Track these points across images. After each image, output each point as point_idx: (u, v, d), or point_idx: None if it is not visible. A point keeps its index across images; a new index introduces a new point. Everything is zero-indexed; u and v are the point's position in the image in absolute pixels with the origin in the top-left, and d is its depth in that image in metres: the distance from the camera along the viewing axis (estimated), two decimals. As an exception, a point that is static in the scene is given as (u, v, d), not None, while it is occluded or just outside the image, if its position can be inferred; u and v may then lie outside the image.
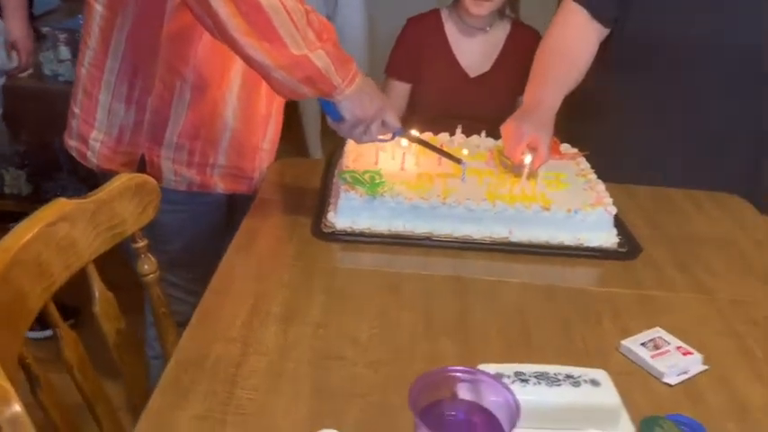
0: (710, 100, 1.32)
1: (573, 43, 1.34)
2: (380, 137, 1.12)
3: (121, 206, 0.96)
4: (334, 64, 1.01)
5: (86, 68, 1.18)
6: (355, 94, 1.05)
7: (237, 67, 1.16)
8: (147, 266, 1.04)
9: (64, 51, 2.37)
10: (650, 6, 1.29)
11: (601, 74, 1.36)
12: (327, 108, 1.08)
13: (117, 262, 1.10)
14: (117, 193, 0.96)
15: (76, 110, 1.22)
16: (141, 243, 1.03)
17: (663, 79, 1.33)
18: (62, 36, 2.36)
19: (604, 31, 1.34)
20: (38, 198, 2.51)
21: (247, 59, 0.99)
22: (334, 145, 1.33)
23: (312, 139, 3.02)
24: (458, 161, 1.18)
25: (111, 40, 1.13)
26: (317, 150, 3.04)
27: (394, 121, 1.12)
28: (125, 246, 1.03)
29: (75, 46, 2.43)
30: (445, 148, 1.21)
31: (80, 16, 2.40)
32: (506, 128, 1.21)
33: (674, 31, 1.28)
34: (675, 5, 1.27)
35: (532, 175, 1.17)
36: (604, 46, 1.36)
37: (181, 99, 1.15)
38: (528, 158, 1.16)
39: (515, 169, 1.19)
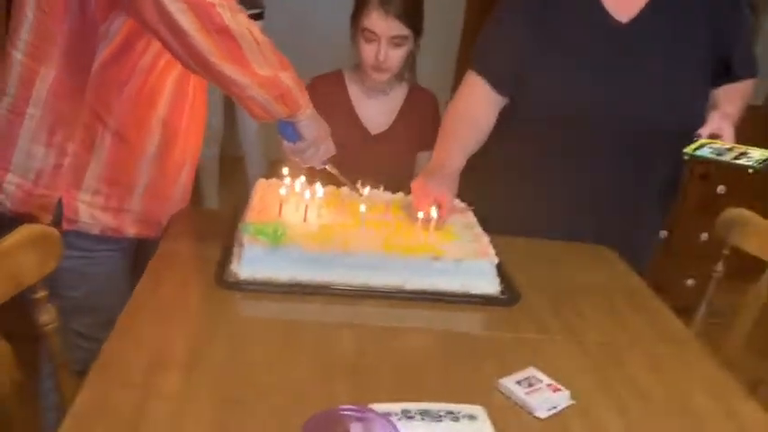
0: (592, 165, 1.47)
1: (476, 110, 1.49)
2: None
3: (21, 257, 0.97)
4: (298, 86, 1.14)
5: (3, 114, 1.19)
6: (313, 115, 1.20)
7: (158, 116, 1.23)
8: (46, 317, 1.04)
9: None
10: (541, 83, 1.43)
11: (498, 136, 1.49)
12: (285, 130, 1.21)
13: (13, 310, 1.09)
14: (18, 244, 0.97)
15: None
16: (40, 294, 1.03)
17: (551, 143, 1.47)
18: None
19: (504, 101, 1.49)
20: None
21: (224, 81, 1.07)
22: (230, 196, 1.41)
23: (208, 189, 3.06)
24: (359, 194, 1.34)
25: (33, 87, 1.16)
26: (212, 201, 3.07)
27: (333, 146, 1.27)
28: (24, 294, 1.03)
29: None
30: (346, 201, 1.34)
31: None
32: (415, 184, 1.33)
33: (560, 102, 1.42)
34: (562, 84, 1.41)
35: (440, 225, 1.27)
36: (503, 112, 1.50)
37: (102, 145, 1.19)
38: (434, 212, 1.26)
39: (425, 221, 1.27)
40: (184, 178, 1.37)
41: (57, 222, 1.20)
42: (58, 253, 1.03)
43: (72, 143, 1.18)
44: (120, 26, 1.12)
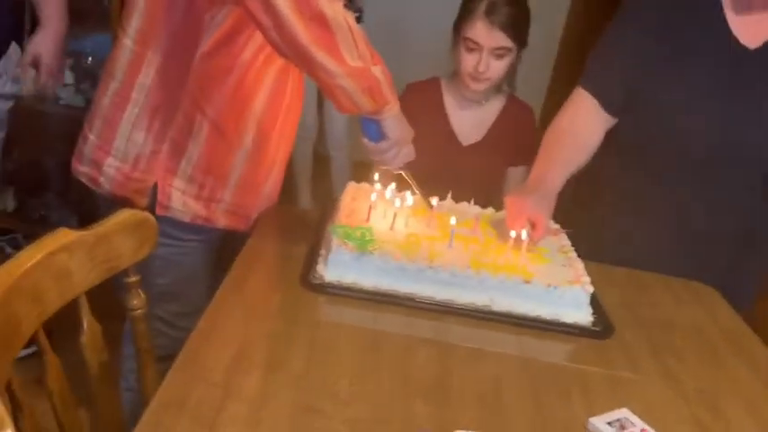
0: (698, 195, 1.38)
1: (581, 129, 1.41)
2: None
3: (120, 241, 0.99)
4: (387, 82, 1.12)
5: (109, 98, 1.23)
6: (399, 114, 1.18)
7: (255, 111, 1.24)
8: (136, 301, 1.06)
9: (68, 76, 2.40)
10: (655, 104, 1.35)
11: (601, 161, 1.42)
12: (368, 128, 1.19)
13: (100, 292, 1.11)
14: (117, 228, 0.98)
15: (92, 137, 1.26)
16: (133, 278, 1.05)
17: (656, 169, 1.40)
18: (67, 60, 2.40)
19: (612, 120, 1.41)
20: (23, 215, 2.51)
21: (314, 67, 1.06)
22: (322, 195, 1.40)
23: (302, 187, 3.09)
24: (429, 206, 1.30)
25: (139, 73, 1.19)
26: (306, 199, 3.09)
27: (413, 151, 1.25)
28: (115, 278, 1.05)
29: (79, 71, 2.47)
30: (436, 214, 1.29)
31: (86, 41, 2.45)
32: (510, 201, 1.26)
33: (672, 127, 1.34)
34: (677, 107, 1.33)
35: (531, 247, 1.21)
36: (609, 133, 1.42)
37: (199, 134, 1.21)
38: (526, 232, 1.20)
39: (516, 241, 1.21)
40: (276, 175, 1.38)
41: (150, 207, 1.22)
42: (153, 240, 1.05)
43: (171, 130, 1.21)
44: (224, 17, 1.14)
